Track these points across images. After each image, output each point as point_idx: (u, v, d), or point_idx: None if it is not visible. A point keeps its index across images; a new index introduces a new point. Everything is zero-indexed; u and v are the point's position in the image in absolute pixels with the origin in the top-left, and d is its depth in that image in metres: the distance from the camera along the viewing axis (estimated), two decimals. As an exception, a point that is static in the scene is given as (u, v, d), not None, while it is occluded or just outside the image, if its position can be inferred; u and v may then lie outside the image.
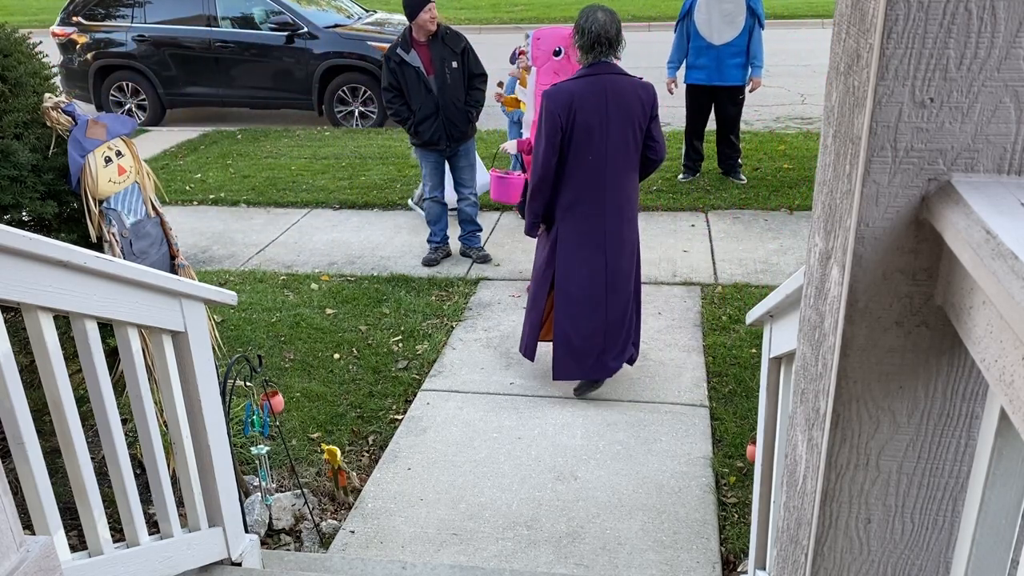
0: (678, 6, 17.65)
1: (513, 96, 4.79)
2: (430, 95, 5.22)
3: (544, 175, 3.79)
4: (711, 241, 5.94)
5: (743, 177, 7.00)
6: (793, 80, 10.97)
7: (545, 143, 3.74)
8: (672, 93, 7.00)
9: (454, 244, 5.95)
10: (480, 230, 5.84)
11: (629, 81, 3.76)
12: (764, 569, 2.36)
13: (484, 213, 6.44)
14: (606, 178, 3.79)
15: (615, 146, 3.76)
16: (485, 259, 5.76)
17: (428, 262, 5.72)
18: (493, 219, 6.49)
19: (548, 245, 4.00)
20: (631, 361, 4.18)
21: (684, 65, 6.80)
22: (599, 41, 3.68)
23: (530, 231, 4.02)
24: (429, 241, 5.78)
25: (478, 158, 5.80)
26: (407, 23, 5.23)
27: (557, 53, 4.44)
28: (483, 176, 5.90)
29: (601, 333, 3.99)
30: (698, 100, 6.83)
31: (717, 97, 6.75)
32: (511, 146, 4.68)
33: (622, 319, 4.01)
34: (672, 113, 9.35)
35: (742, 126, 8.85)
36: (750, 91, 6.71)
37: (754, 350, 4.41)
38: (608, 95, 3.70)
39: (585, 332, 3.98)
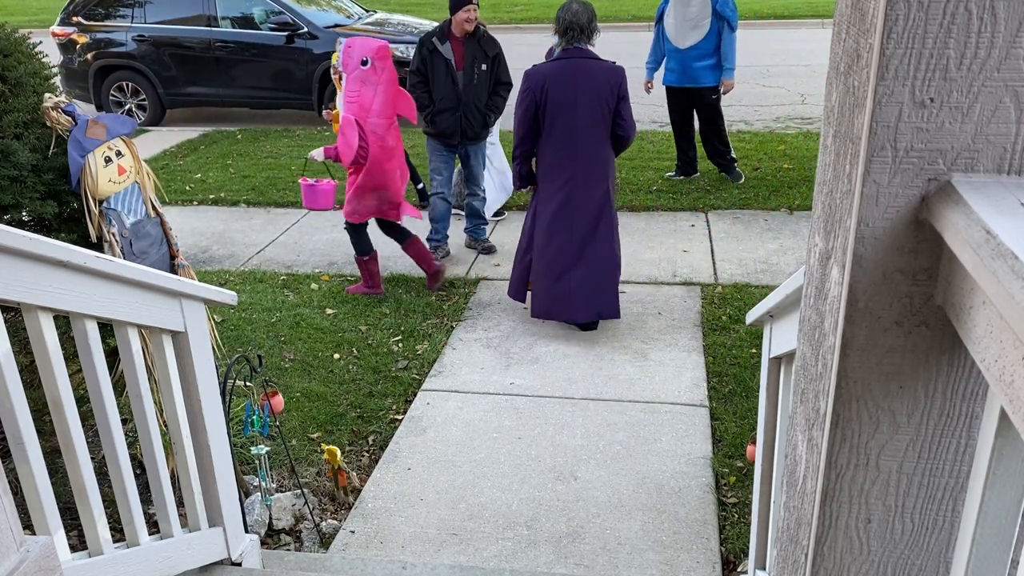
0: (678, 6, 17.64)
1: (337, 111, 4.92)
2: (454, 88, 5.33)
3: (521, 142, 4.42)
4: (711, 241, 5.94)
5: (741, 175, 7.00)
6: (793, 80, 10.97)
7: (523, 116, 4.35)
8: (648, 93, 7.09)
9: (454, 242, 5.95)
10: (486, 223, 5.93)
11: (599, 65, 4.29)
12: (764, 569, 2.36)
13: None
14: (577, 148, 4.34)
15: (584, 121, 4.30)
16: (490, 250, 5.87)
17: None
18: (492, 220, 6.48)
19: (532, 204, 4.64)
20: (608, 316, 4.62)
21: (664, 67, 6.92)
22: (571, 28, 4.26)
23: (516, 184, 4.66)
24: (429, 239, 5.76)
25: (505, 159, 5.87)
26: (447, 18, 5.38)
27: (364, 63, 4.67)
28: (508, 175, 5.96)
29: (575, 280, 4.50)
30: (674, 101, 6.92)
31: (691, 98, 6.82)
32: (319, 154, 4.81)
33: (594, 272, 4.50)
34: (662, 113, 9.34)
35: (742, 126, 8.85)
36: (724, 92, 6.77)
37: (754, 350, 4.41)
38: (577, 76, 4.25)
39: (557, 275, 4.52)
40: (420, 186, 6.66)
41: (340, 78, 4.69)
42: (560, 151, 4.34)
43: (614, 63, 4.31)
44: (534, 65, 4.38)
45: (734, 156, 7.05)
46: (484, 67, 5.38)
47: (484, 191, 5.80)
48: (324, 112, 5.31)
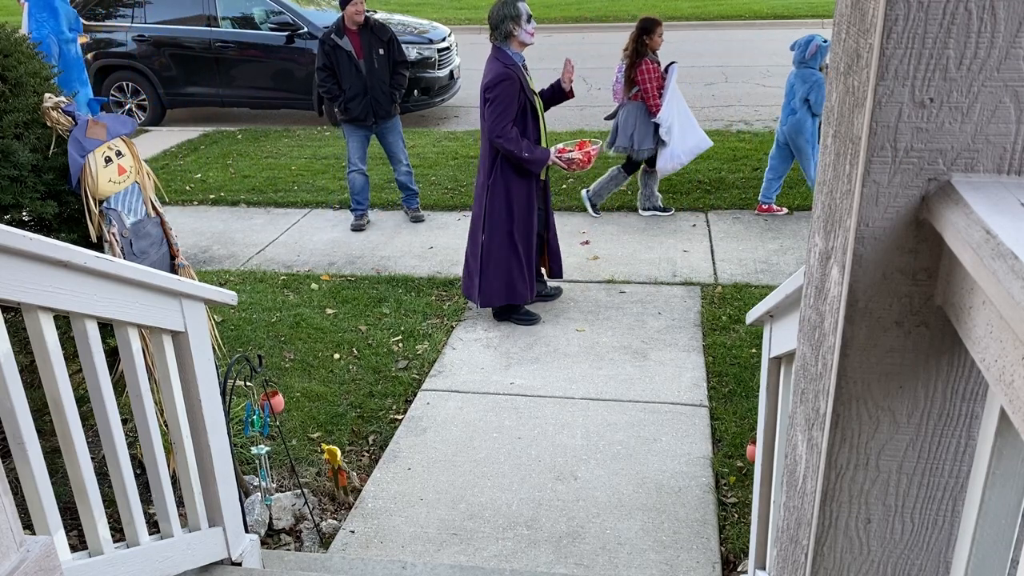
0: (679, 6, 17.64)
1: None
2: (359, 76, 5.97)
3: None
4: (711, 241, 5.94)
5: None
6: (793, 80, 10.95)
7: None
8: None
9: (451, 244, 5.95)
10: (416, 195, 6.52)
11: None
12: (764, 569, 2.36)
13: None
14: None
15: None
16: (419, 219, 6.52)
17: (357, 228, 6.39)
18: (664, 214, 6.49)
19: (498, 203, 4.65)
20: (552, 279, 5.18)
21: None
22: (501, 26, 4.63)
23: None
24: (354, 210, 6.42)
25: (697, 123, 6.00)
26: (340, 15, 6.01)
27: None
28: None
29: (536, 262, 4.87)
30: None
31: None
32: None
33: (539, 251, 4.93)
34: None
35: (741, 126, 8.86)
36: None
37: (754, 350, 4.41)
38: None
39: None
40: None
41: None
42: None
43: None
44: (502, 69, 4.45)
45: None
46: (382, 52, 6.00)
47: (409, 164, 6.31)
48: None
